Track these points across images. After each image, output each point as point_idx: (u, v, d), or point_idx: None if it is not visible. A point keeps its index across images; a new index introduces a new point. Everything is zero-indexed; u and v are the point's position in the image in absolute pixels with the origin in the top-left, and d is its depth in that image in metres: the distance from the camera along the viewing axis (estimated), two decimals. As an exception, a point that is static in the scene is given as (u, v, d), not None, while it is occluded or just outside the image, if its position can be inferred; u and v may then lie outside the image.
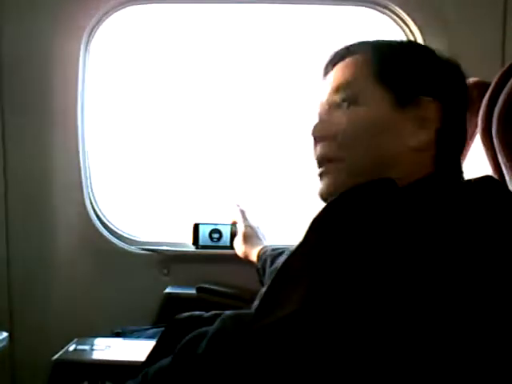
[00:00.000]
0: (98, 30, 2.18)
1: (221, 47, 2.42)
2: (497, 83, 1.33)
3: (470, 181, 1.09)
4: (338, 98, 1.16)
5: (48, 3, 2.09)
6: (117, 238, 2.29)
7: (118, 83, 2.43)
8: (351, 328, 0.85)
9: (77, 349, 1.52)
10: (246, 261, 2.07)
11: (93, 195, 2.28)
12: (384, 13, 2.14)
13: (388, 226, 0.94)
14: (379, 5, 2.13)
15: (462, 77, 1.19)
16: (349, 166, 1.12)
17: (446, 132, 1.14)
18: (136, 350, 1.55)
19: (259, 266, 1.95)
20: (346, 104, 1.14)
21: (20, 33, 2.10)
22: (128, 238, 2.30)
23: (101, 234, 2.26)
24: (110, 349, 1.54)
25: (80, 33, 2.13)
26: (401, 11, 2.10)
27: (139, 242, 2.30)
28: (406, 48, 1.20)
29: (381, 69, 1.14)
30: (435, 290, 0.87)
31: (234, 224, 2.19)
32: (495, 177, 1.29)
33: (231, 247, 2.16)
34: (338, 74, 1.19)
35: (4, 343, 1.51)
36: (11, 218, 2.18)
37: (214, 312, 1.35)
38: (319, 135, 1.17)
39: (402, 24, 2.13)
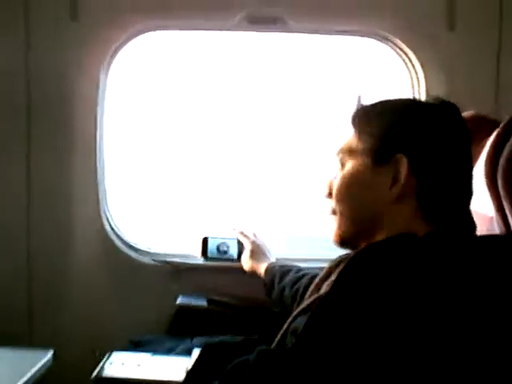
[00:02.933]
0: (116, 56, 2.28)
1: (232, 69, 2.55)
2: (503, 130, 1.45)
3: (477, 237, 1.26)
4: (340, 157, 1.39)
5: (70, 31, 2.19)
6: (130, 249, 2.40)
7: (134, 103, 2.54)
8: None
9: (112, 364, 1.65)
10: (249, 274, 2.21)
11: (108, 210, 2.40)
12: (388, 45, 2.28)
13: (404, 281, 1.11)
14: (384, 38, 2.27)
15: (449, 121, 1.33)
16: (346, 218, 1.37)
17: (425, 183, 1.29)
18: (168, 367, 1.68)
19: (267, 281, 2.09)
20: (341, 165, 1.38)
21: (44, 57, 2.21)
22: (140, 250, 2.42)
23: (115, 246, 2.38)
24: (142, 366, 1.67)
25: (100, 58, 2.24)
26: (404, 46, 2.24)
27: (151, 253, 2.42)
28: (390, 110, 1.36)
29: (369, 145, 1.34)
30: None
31: (240, 240, 2.32)
32: (498, 216, 1.44)
33: (238, 260, 2.29)
34: (347, 139, 1.39)
35: (49, 361, 1.62)
36: (32, 233, 2.29)
37: (242, 337, 1.49)
38: (326, 193, 1.41)
39: (405, 57, 2.27)
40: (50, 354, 1.61)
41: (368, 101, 1.40)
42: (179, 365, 1.67)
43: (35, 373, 1.53)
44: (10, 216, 2.30)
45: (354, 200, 1.35)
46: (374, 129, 1.33)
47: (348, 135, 1.39)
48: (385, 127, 1.32)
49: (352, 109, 1.41)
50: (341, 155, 1.39)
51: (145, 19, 2.27)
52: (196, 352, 1.65)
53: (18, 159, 2.28)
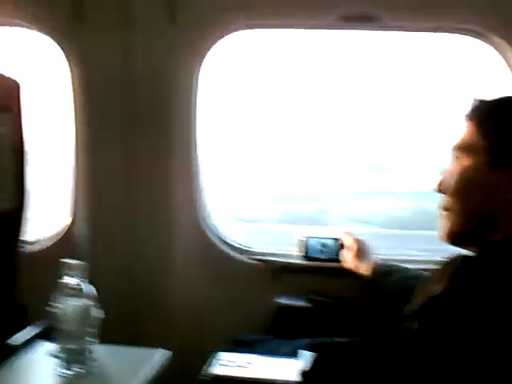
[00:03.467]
0: (212, 54, 2.32)
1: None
2: None
3: None
4: (457, 153, 1.35)
5: (168, 33, 2.23)
6: (229, 247, 2.42)
7: (230, 101, 2.57)
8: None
9: (219, 364, 1.67)
10: (350, 273, 2.20)
11: (206, 209, 2.42)
12: (486, 43, 2.23)
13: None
14: (480, 35, 2.22)
15: None
16: (459, 216, 1.35)
17: None
18: (277, 367, 1.69)
19: (372, 280, 2.07)
20: (458, 161, 1.35)
21: (143, 58, 2.26)
22: (239, 248, 2.44)
23: (213, 244, 2.40)
24: (251, 366, 1.69)
25: (197, 57, 2.28)
26: (503, 42, 2.18)
27: (250, 251, 2.44)
28: None
29: (490, 144, 1.30)
30: None
31: (340, 239, 2.30)
32: None
33: (337, 260, 2.28)
34: (464, 133, 1.36)
35: (166, 361, 1.65)
36: (132, 233, 2.34)
37: (352, 339, 1.49)
38: (441, 189, 1.39)
39: (505, 53, 2.21)
40: (163, 353, 1.64)
41: (486, 96, 1.37)
42: (287, 365, 1.68)
43: (149, 370, 1.56)
44: (110, 217, 2.35)
45: (470, 199, 1.34)
46: (495, 127, 1.30)
47: (464, 131, 1.36)
48: (508, 127, 1.29)
49: (469, 104, 1.39)
50: (456, 151, 1.36)
51: (240, 19, 2.29)
52: (304, 353, 1.65)
53: (118, 159, 2.32)
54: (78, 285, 1.48)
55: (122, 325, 2.24)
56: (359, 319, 2.14)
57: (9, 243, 1.81)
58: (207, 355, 1.79)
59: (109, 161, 2.32)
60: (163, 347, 1.72)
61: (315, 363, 1.41)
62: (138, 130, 2.31)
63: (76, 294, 1.48)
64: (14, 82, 1.68)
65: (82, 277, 1.49)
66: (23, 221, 1.83)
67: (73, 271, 1.47)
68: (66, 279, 1.48)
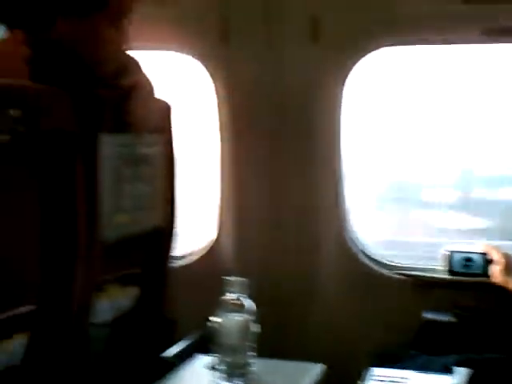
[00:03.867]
0: (355, 70, 2.33)
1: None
2: None
3: None
4: None
5: (311, 52, 2.27)
6: (372, 261, 2.42)
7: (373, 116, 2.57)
8: None
9: (375, 380, 1.66)
10: (499, 288, 2.13)
11: (349, 221, 2.42)
12: None
13: None
14: None
15: None
16: None
17: None
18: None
19: None
20: None
21: (286, 76, 2.31)
22: (383, 263, 2.43)
23: (356, 258, 2.41)
24: (408, 381, 1.67)
25: (339, 75, 2.30)
26: None
27: (394, 265, 2.42)
28: None
29: None
30: None
31: (487, 253, 2.24)
32: None
33: (484, 275, 2.22)
34: None
35: (322, 375, 1.66)
36: (277, 246, 2.37)
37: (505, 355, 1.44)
38: None
39: None
40: (319, 367, 1.65)
41: None
42: (443, 382, 1.65)
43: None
44: (255, 231, 2.40)
45: None
46: None
47: None
48: None
49: None
50: None
51: (382, 36, 2.30)
52: (458, 369, 1.61)
53: (262, 173, 2.38)
54: (238, 300, 1.51)
55: (266, 339, 2.27)
56: (507, 335, 2.08)
57: (160, 259, 1.87)
58: (356, 370, 1.79)
59: (254, 176, 2.38)
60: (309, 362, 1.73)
61: (471, 380, 1.38)
62: (282, 146, 2.35)
63: (237, 309, 1.51)
64: (166, 104, 1.75)
65: (242, 293, 1.53)
66: (173, 237, 1.89)
67: (234, 287, 1.51)
68: (228, 295, 1.52)
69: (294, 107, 2.32)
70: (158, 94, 1.67)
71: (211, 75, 2.36)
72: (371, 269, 2.40)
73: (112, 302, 1.57)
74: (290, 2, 2.28)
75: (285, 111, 2.33)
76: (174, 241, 1.89)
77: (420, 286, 2.34)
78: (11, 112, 1.05)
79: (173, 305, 1.86)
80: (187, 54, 2.37)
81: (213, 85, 2.37)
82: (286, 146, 2.34)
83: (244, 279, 1.54)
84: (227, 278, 1.55)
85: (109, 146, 1.43)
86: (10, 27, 1.42)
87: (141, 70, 1.61)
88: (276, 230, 2.38)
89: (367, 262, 2.41)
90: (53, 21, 1.43)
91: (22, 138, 1.09)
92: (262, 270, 2.37)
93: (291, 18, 2.27)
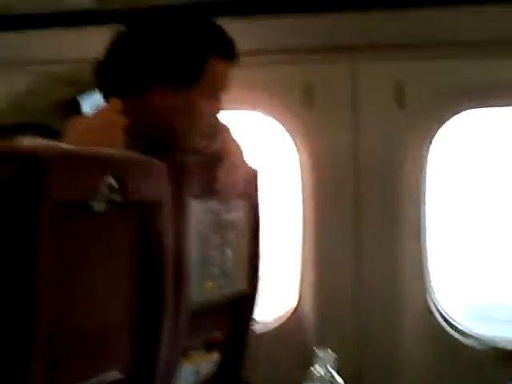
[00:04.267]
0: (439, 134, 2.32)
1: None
2: None
3: None
4: None
5: (397, 117, 2.27)
6: (456, 331, 2.37)
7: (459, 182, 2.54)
8: None
9: None
10: None
11: (432, 289, 2.38)
12: None
13: None
14: None
15: None
16: None
17: None
18: None
19: None
20: None
21: (371, 142, 2.31)
22: (467, 333, 2.38)
23: (440, 327, 2.37)
24: None
25: (424, 140, 2.29)
26: None
27: (478, 336, 2.37)
28: None
29: None
30: None
31: None
32: None
33: None
34: None
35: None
36: (363, 312, 2.35)
37: None
38: None
39: None
40: None
41: None
42: None
43: None
44: (336, 298, 2.38)
45: None
46: None
47: None
48: None
49: None
50: None
51: (466, 99, 2.31)
52: None
53: (345, 239, 2.36)
54: (327, 374, 1.49)
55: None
56: None
57: (242, 324, 1.87)
58: None
59: (335, 241, 2.38)
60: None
61: None
62: (365, 211, 2.35)
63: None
64: (253, 169, 1.77)
65: (331, 367, 1.51)
66: (255, 302, 1.89)
67: (323, 360, 1.49)
68: (316, 367, 1.50)
69: (377, 172, 2.32)
70: (246, 159, 1.69)
71: (294, 139, 2.38)
72: (455, 339, 2.35)
73: (195, 368, 1.57)
74: (375, 68, 2.29)
75: (368, 176, 2.33)
76: (255, 306, 1.89)
77: (506, 357, 2.26)
78: (108, 181, 1.08)
79: (252, 370, 1.85)
80: (272, 117, 2.40)
81: (296, 149, 2.39)
82: (369, 211, 2.33)
83: (333, 353, 1.52)
84: (316, 349, 1.53)
85: (197, 211, 1.45)
86: (107, 95, 1.47)
87: (230, 136, 1.64)
88: (357, 297, 2.35)
89: (452, 332, 2.35)
90: (148, 89, 1.48)
91: (118, 206, 1.12)
92: (342, 340, 2.34)
93: (377, 83, 2.28)
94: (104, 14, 2.23)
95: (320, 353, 1.50)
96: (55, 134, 1.29)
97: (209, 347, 1.62)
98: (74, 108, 1.37)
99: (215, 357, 1.64)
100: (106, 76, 1.52)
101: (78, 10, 2.27)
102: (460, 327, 2.38)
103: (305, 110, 2.31)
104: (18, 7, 2.27)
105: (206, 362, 1.60)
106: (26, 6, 2.26)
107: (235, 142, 1.63)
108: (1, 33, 2.33)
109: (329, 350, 1.51)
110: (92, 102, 1.37)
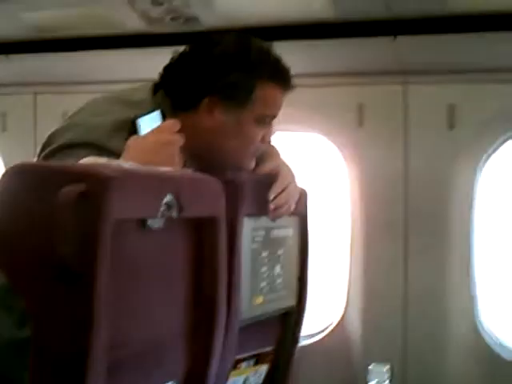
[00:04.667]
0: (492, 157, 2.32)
1: None
2: None
3: None
4: None
5: (447, 139, 2.28)
6: (502, 349, 2.37)
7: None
8: None
9: None
10: None
11: (480, 307, 2.37)
12: None
13: None
14: None
15: None
16: None
17: None
18: None
19: None
20: None
21: (421, 165, 2.32)
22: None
23: (488, 346, 2.38)
24: None
25: (474, 162, 2.29)
26: None
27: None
28: None
29: None
30: None
31: None
32: None
33: None
34: None
35: None
36: (409, 327, 2.35)
37: None
38: None
39: None
40: None
41: None
42: None
43: None
44: (383, 312, 2.39)
45: None
46: None
47: None
48: None
49: None
50: None
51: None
52: None
53: (393, 255, 2.38)
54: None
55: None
56: None
57: (290, 338, 1.89)
58: None
59: (383, 257, 2.39)
60: None
61: None
62: (413, 229, 2.36)
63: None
64: (303, 189, 1.80)
65: (385, 379, 1.53)
66: (303, 316, 1.92)
67: (380, 374, 1.51)
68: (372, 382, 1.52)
69: (426, 192, 2.34)
70: (296, 179, 1.73)
71: (345, 158, 2.41)
72: (501, 357, 2.38)
73: (244, 379, 1.60)
74: (427, 90, 2.31)
75: (417, 196, 2.35)
76: (303, 321, 1.92)
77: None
78: (166, 199, 1.12)
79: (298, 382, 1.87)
80: (324, 136, 2.43)
81: (346, 168, 2.42)
82: (416, 230, 2.35)
83: (388, 365, 1.54)
84: (373, 364, 1.55)
85: (249, 228, 1.49)
86: (164, 115, 1.51)
87: (281, 159, 1.67)
88: (404, 313, 2.36)
89: (500, 350, 2.34)
90: (198, 104, 1.52)
91: (175, 223, 1.16)
92: (390, 353, 2.35)
93: (427, 105, 2.30)
94: (158, 37, 2.30)
95: (375, 366, 1.52)
96: (114, 154, 1.33)
97: (257, 360, 1.64)
98: (132, 128, 1.42)
99: (263, 369, 1.66)
100: (162, 95, 1.57)
101: (135, 33, 2.35)
102: (507, 346, 2.35)
103: (356, 130, 2.34)
104: (80, 30, 2.36)
105: (255, 374, 1.63)
106: (89, 30, 2.34)
107: (286, 164, 1.66)
108: (65, 54, 2.42)
109: (383, 364, 1.52)
110: (150, 122, 1.41)
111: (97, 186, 0.95)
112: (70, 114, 1.51)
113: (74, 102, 1.63)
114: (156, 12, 2.30)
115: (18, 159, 1.00)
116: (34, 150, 2.51)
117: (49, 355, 0.94)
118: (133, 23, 2.29)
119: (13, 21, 2.41)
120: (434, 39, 2.22)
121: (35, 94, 2.84)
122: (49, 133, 1.47)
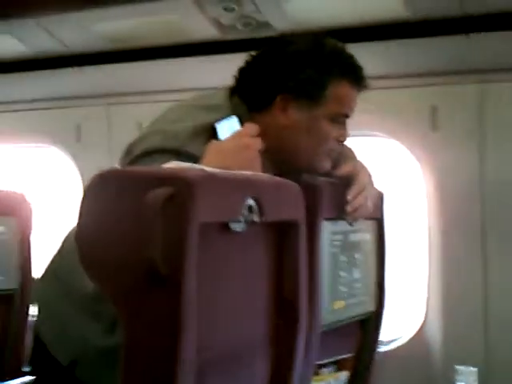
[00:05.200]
0: None
1: None
2: None
3: None
4: None
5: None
6: None
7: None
8: None
9: None
10: None
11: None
12: None
13: None
14: None
15: None
16: None
17: None
18: None
19: None
20: None
21: (498, 168, 2.27)
22: None
23: None
24: None
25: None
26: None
27: None
28: None
29: None
30: None
31: None
32: None
33: None
34: None
35: None
36: (489, 337, 2.30)
37: None
38: None
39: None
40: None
41: None
42: None
43: None
44: (463, 319, 2.35)
45: None
46: None
47: None
48: None
49: None
50: None
51: None
52: None
53: (474, 262, 2.37)
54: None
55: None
56: None
57: (369, 343, 1.87)
58: None
59: (462, 260, 2.35)
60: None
61: None
62: (491, 232, 2.31)
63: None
64: (379, 192, 1.78)
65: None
66: (382, 321, 1.90)
67: (465, 377, 1.48)
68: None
69: (504, 197, 2.29)
70: (374, 182, 1.71)
71: (419, 162, 2.38)
72: None
73: (325, 386, 1.59)
74: (503, 90, 2.26)
75: (494, 200, 2.31)
76: (382, 326, 1.90)
77: None
78: (248, 203, 1.12)
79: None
80: (397, 140, 2.41)
81: (421, 172, 2.39)
82: (495, 235, 2.31)
83: (474, 369, 1.51)
84: (458, 367, 1.53)
85: (328, 232, 1.48)
86: (241, 119, 1.51)
87: (356, 158, 1.65)
88: (484, 321, 2.32)
89: None
90: (272, 102, 1.52)
91: (256, 226, 1.16)
92: (470, 359, 2.30)
93: (505, 105, 2.25)
94: (230, 43, 2.32)
95: (463, 370, 1.49)
96: (193, 159, 1.34)
97: (338, 366, 1.63)
98: (212, 132, 1.43)
99: (344, 375, 1.65)
100: (237, 99, 1.58)
101: (207, 40, 2.38)
102: None
103: (431, 132, 2.31)
104: (151, 40, 2.40)
105: (335, 381, 1.62)
106: (161, 39, 2.38)
107: (363, 165, 1.64)
108: (137, 64, 2.46)
109: (471, 368, 1.49)
110: (228, 127, 1.42)
111: (184, 189, 0.95)
112: (144, 124, 1.53)
113: (147, 111, 1.65)
114: (227, 19, 2.32)
115: (93, 170, 1.00)
116: (109, 160, 2.57)
117: (140, 359, 0.95)
118: (204, 31, 2.31)
119: (85, 32, 2.46)
120: (510, 36, 2.18)
121: (108, 104, 2.89)
122: (126, 143, 1.48)
